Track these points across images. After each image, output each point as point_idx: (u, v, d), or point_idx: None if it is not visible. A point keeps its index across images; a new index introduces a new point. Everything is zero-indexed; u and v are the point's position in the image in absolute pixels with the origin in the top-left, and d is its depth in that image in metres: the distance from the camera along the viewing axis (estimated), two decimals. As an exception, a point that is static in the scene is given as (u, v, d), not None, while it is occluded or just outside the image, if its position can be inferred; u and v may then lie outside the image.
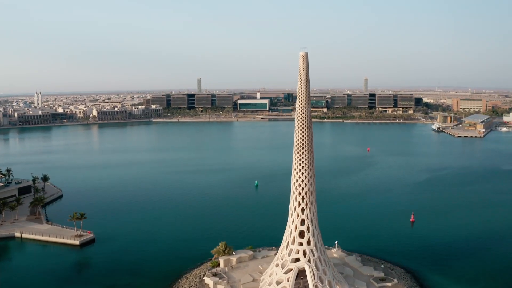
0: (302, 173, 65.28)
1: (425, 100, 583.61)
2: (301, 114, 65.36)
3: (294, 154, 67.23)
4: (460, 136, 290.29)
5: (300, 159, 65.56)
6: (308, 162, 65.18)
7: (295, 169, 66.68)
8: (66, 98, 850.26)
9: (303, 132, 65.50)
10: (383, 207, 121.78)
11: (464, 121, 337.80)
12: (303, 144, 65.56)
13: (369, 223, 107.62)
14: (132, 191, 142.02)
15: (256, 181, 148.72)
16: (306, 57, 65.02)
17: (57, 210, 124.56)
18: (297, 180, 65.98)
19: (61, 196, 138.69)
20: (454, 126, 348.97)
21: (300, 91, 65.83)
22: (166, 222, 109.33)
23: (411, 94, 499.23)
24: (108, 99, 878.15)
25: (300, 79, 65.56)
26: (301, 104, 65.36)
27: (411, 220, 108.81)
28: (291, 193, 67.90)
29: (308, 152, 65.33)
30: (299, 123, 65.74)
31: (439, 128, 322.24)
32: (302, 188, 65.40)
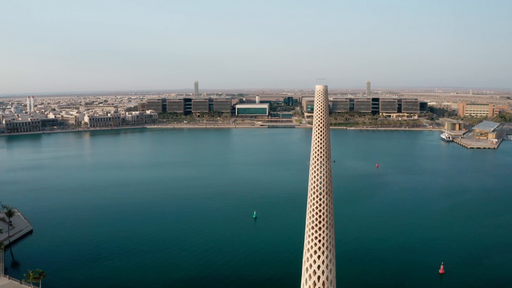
0: (319, 257, 47.03)
1: (427, 102, 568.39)
2: (317, 174, 46.84)
3: (307, 229, 48.71)
4: (473, 148, 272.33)
5: (316, 237, 47.22)
6: (327, 241, 46.92)
7: (308, 249, 48.13)
8: (60, 101, 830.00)
9: (320, 200, 46.91)
10: (404, 251, 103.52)
11: (475, 129, 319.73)
12: (320, 216, 47.16)
13: (391, 278, 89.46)
14: (112, 225, 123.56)
15: (254, 212, 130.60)
16: (325, 92, 47.10)
17: (22, 252, 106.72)
18: (311, 266, 47.70)
19: (30, 232, 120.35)
20: (463, 134, 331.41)
21: (318, 140, 47.20)
22: (143, 277, 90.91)
23: (416, 99, 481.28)
24: (105, 101, 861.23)
25: (318, 123, 47.16)
26: (318, 158, 46.87)
27: (440, 271, 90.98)
28: (303, 280, 49.61)
29: (327, 227, 47.05)
30: (315, 188, 47.03)
31: (449, 137, 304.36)
32: (319, 277, 47.31)
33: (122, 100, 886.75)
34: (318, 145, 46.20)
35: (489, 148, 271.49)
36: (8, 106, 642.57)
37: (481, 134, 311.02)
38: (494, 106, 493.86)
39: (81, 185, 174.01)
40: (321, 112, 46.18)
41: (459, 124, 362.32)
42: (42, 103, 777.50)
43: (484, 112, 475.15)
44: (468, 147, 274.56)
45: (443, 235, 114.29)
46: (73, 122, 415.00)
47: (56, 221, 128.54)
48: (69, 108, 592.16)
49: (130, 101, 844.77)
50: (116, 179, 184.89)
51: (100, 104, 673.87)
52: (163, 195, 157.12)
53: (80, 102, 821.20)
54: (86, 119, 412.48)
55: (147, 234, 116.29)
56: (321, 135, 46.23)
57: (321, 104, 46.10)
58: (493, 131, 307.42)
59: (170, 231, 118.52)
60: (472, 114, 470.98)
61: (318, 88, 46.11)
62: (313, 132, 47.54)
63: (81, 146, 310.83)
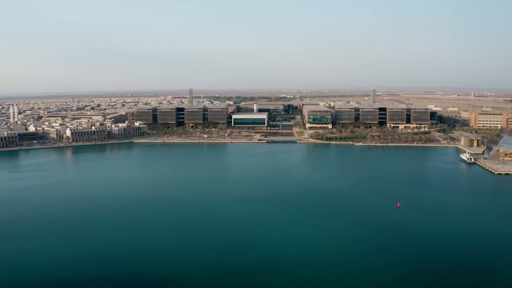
0: None
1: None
2: None
3: None
4: (501, 173, 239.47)
5: None
6: None
7: None
8: (50, 106, 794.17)
9: None
10: None
11: (499, 149, 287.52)
12: None
13: None
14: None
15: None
16: None
17: None
18: None
19: None
20: (483, 153, 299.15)
21: None
22: None
23: (426, 109, 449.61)
24: (98, 105, 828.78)
25: None
26: None
27: None
28: None
29: None
30: None
31: (470, 159, 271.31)
32: None
33: (115, 104, 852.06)
34: None
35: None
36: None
37: (505, 154, 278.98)
38: (508, 115, 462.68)
39: (39, 242, 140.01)
40: None
41: (477, 140, 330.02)
42: (32, 108, 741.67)
43: (498, 122, 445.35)
44: (496, 172, 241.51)
45: None
46: (54, 136, 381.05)
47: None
48: (56, 116, 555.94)
49: (124, 105, 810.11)
50: (85, 229, 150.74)
51: (90, 111, 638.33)
52: (133, 267, 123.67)
53: (72, 106, 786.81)
54: (68, 133, 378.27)
55: None
56: None
57: None
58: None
59: None
60: (486, 125, 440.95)
61: None
62: None
63: (56, 170, 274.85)
